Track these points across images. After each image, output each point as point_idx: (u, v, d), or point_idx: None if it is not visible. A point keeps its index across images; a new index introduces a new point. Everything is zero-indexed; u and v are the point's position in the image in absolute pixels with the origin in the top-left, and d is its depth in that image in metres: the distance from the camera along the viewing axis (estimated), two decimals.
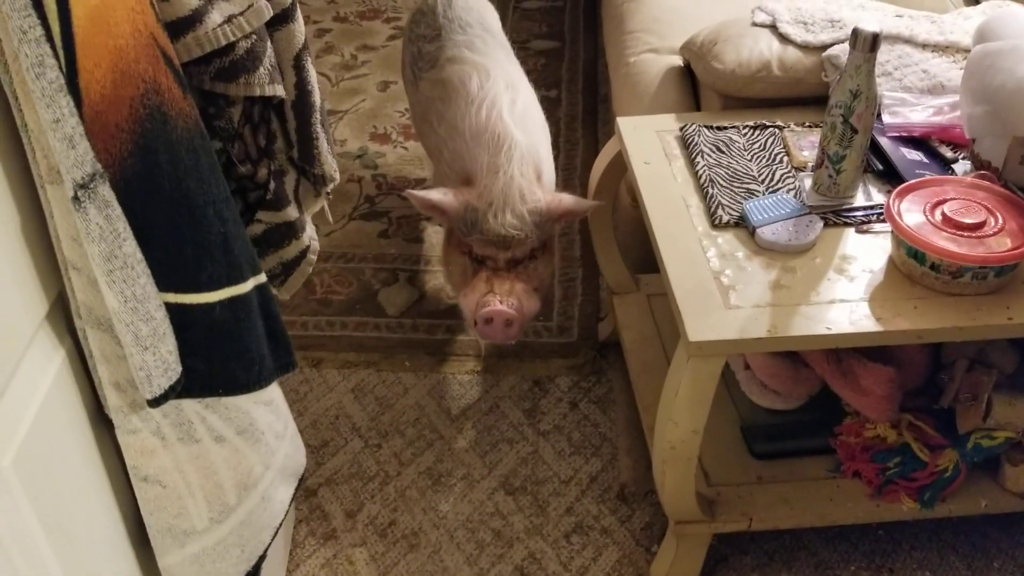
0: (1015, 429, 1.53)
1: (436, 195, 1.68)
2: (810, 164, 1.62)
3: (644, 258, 1.98)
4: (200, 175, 0.86)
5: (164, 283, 0.86)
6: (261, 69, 1.06)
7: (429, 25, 2.06)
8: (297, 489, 1.15)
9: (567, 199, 1.74)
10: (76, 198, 0.76)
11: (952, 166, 1.59)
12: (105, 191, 0.78)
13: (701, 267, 1.45)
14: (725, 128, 1.72)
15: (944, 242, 1.35)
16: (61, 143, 0.74)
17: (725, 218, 1.52)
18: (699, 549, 1.61)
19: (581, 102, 3.04)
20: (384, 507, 1.84)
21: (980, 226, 1.37)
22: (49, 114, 0.73)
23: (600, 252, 2.05)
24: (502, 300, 1.65)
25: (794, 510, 1.58)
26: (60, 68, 0.75)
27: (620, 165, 1.82)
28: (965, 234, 1.36)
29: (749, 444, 1.67)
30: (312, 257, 1.25)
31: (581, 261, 2.42)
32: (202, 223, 0.86)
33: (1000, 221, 1.38)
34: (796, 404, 1.72)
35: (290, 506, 1.12)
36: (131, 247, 0.80)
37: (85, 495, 0.95)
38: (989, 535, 1.74)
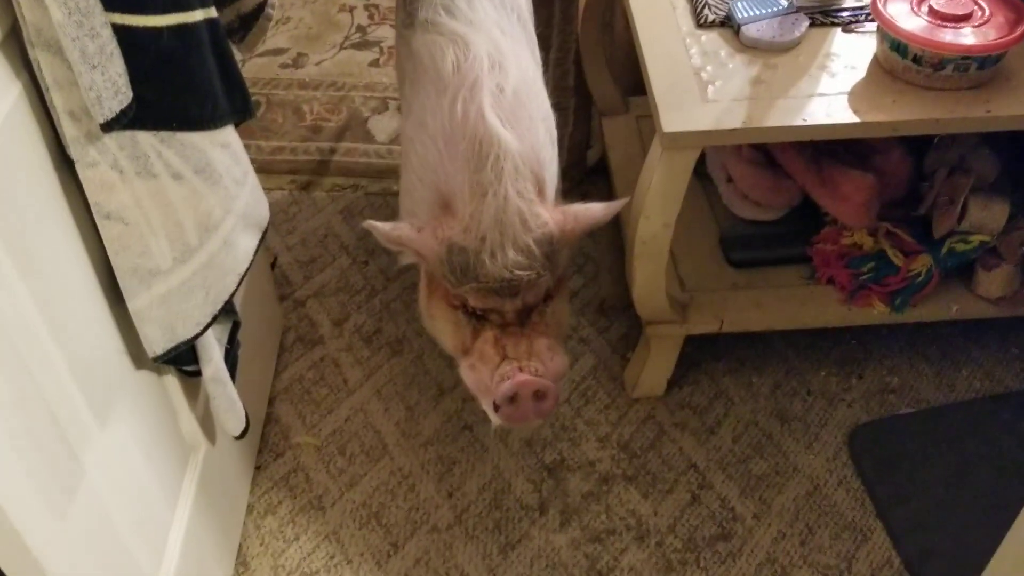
0: (989, 232, 1.53)
1: (407, 231, 1.24)
2: None
3: (637, 83, 1.96)
4: None
5: (109, 2, 0.86)
6: None
7: None
8: (261, 241, 1.18)
9: (584, 213, 1.28)
10: None
11: None
12: None
13: (682, 64, 1.43)
14: None
15: (926, 33, 1.33)
16: None
17: (711, 16, 1.49)
18: (671, 352, 1.65)
19: None
20: (370, 317, 1.88)
21: (966, 18, 1.34)
22: None
23: (590, 72, 2.03)
24: (522, 367, 1.23)
25: (766, 313, 1.61)
26: None
27: None
28: (950, 25, 1.34)
29: (726, 253, 1.69)
30: (270, 12, 1.23)
31: (575, 91, 2.39)
32: None
33: (987, 13, 1.35)
34: (776, 215, 1.73)
35: (255, 256, 1.15)
36: None
37: (53, 237, 0.97)
38: (959, 344, 1.77)
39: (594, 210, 1.29)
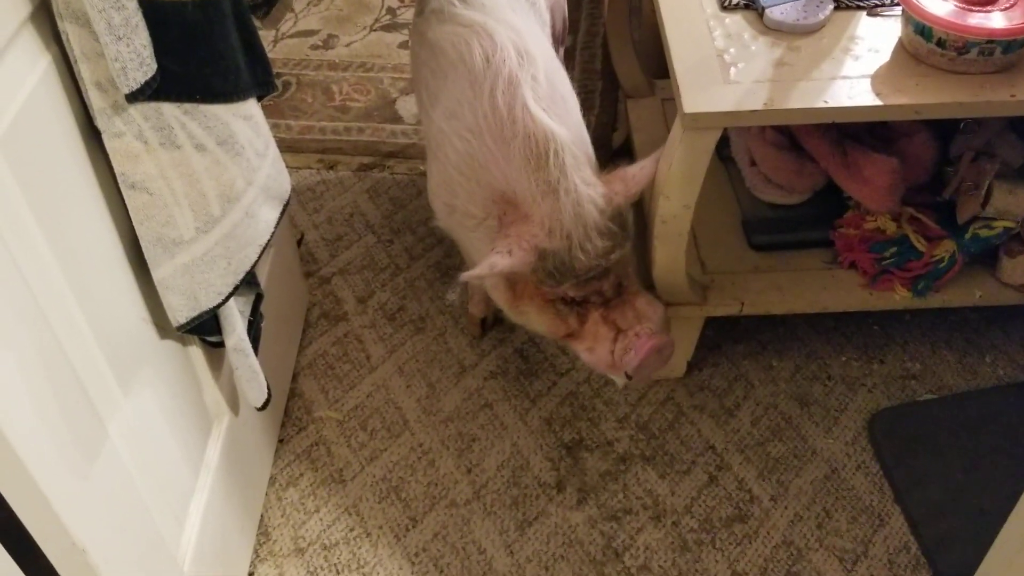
0: (1014, 218, 1.52)
1: (503, 261, 1.26)
2: None
3: (663, 66, 1.96)
4: None
5: None
6: None
7: None
8: (282, 214, 1.20)
9: (640, 173, 1.36)
10: None
11: None
12: None
13: (705, 46, 1.43)
14: None
15: (952, 16, 1.32)
16: None
17: None
18: (691, 334, 1.66)
19: None
20: (394, 295, 1.90)
21: (993, 1, 1.33)
22: None
23: (617, 54, 2.03)
24: (638, 333, 1.33)
25: (786, 296, 1.60)
26: None
27: None
28: (976, 8, 1.33)
29: (748, 236, 1.69)
30: None
31: (601, 74, 2.39)
32: None
33: None
34: (799, 199, 1.72)
35: (276, 229, 1.18)
36: None
37: (80, 206, 1.00)
38: (983, 332, 1.76)
39: (647, 168, 1.36)
